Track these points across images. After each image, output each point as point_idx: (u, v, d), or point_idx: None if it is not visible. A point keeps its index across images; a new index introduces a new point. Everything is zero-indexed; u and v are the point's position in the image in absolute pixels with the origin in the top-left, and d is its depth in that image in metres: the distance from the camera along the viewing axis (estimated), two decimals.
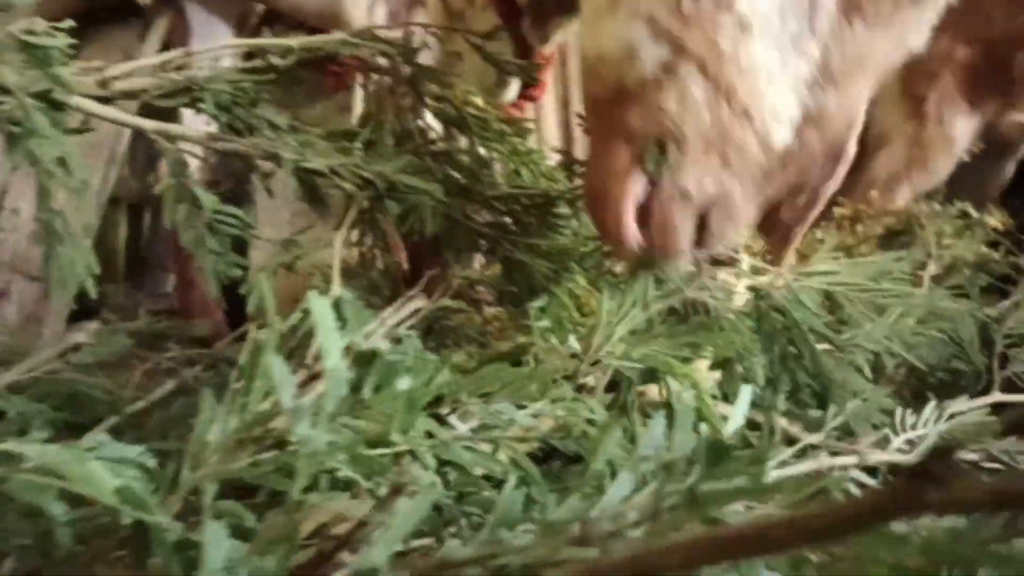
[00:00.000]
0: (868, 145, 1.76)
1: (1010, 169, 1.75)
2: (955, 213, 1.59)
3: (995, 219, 1.55)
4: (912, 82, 1.60)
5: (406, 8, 1.09)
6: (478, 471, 0.46)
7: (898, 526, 0.21)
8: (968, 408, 0.88)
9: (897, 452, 0.77)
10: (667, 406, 0.65)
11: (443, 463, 0.45)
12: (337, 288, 0.59)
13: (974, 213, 1.57)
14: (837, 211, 1.58)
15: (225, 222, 0.72)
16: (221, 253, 0.73)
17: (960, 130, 1.56)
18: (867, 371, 0.94)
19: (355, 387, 0.37)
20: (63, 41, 0.59)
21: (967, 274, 1.27)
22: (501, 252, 0.74)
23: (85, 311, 0.98)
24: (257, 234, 0.72)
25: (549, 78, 1.21)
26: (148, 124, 0.63)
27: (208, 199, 0.69)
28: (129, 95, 0.66)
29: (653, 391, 0.69)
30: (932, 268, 1.21)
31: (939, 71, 1.57)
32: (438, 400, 0.49)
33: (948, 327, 1.06)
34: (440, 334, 0.78)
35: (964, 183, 1.73)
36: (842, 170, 0.74)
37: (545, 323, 0.70)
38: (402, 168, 0.67)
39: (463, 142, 0.90)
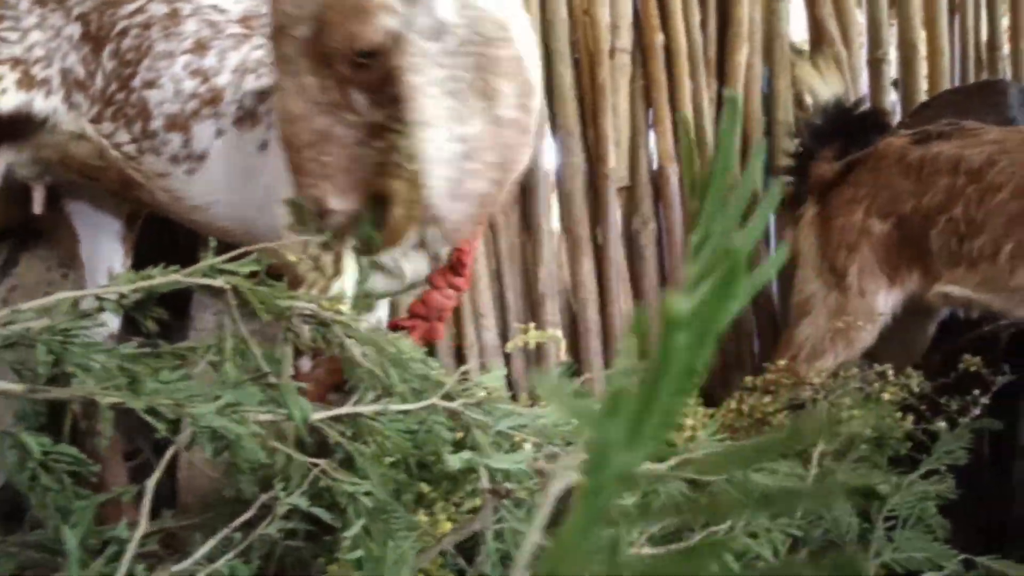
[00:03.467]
0: (792, 311, 1.80)
1: (932, 330, 1.78)
2: (872, 377, 1.62)
3: (913, 382, 1.57)
4: (833, 255, 1.66)
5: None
6: None
7: None
8: None
9: None
10: None
11: None
12: None
13: (891, 376, 1.59)
14: (748, 380, 1.60)
15: (61, 460, 0.75)
16: (59, 489, 0.76)
17: (882, 302, 1.61)
18: (734, 568, 0.94)
19: None
20: None
21: (864, 448, 1.27)
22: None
23: None
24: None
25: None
26: None
27: (36, 442, 0.72)
28: None
29: None
30: (821, 447, 1.21)
31: (858, 244, 1.63)
32: None
33: (828, 522, 1.06)
34: None
35: (887, 344, 1.77)
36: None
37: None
38: (222, 408, 0.70)
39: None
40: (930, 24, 2.35)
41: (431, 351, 2.12)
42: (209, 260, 0.86)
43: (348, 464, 0.80)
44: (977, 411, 1.47)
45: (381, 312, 1.59)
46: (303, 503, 0.73)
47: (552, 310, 2.05)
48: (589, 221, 2.12)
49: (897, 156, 1.62)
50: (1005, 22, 2.41)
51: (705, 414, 1.55)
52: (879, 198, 1.60)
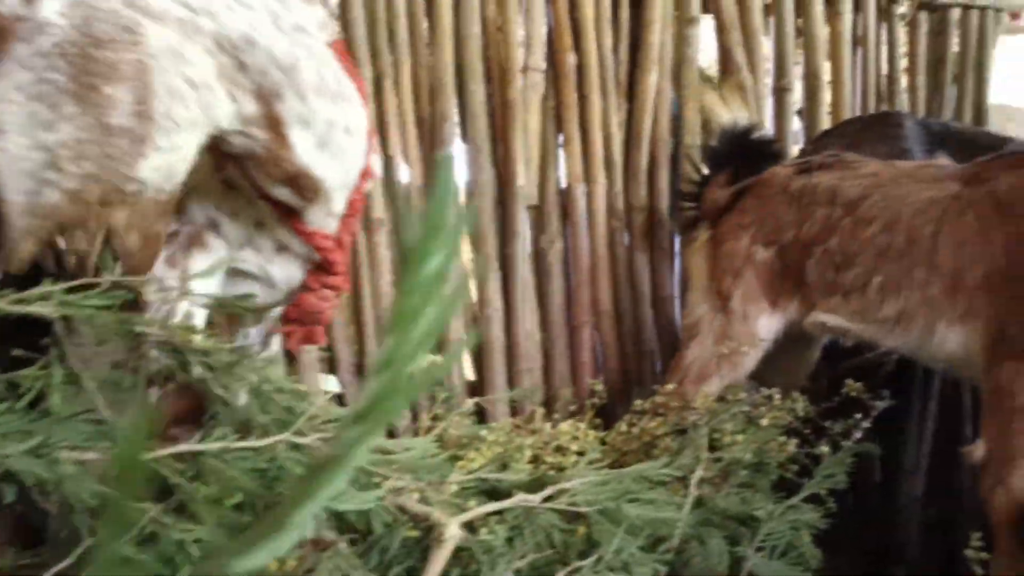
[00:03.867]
0: (682, 334, 1.83)
1: (816, 354, 1.83)
2: (759, 400, 1.64)
3: (798, 406, 1.60)
4: (720, 279, 1.68)
5: (183, 250, 1.11)
6: None
7: None
8: None
9: None
10: None
11: None
12: None
13: (777, 399, 1.62)
14: (637, 403, 1.61)
15: None
16: None
17: (764, 327, 1.63)
18: None
19: None
20: None
21: (744, 474, 1.29)
22: None
23: None
24: None
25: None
26: None
27: None
28: None
29: None
30: (699, 474, 1.22)
31: (743, 270, 1.66)
32: None
33: (703, 549, 1.06)
34: None
35: (774, 367, 1.80)
36: None
37: None
38: (35, 447, 0.65)
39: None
40: (834, 56, 2.43)
41: (332, 369, 2.09)
42: (45, 286, 0.80)
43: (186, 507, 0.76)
44: (859, 435, 1.51)
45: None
46: (129, 551, 0.68)
47: (457, 327, 2.02)
48: (497, 238, 2.11)
49: (781, 185, 1.65)
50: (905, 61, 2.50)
51: (595, 437, 1.55)
52: (764, 226, 1.63)
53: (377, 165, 1.74)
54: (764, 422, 1.37)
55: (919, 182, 1.48)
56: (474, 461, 1.24)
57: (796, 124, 2.45)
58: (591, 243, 2.15)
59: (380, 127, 2.08)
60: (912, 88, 2.47)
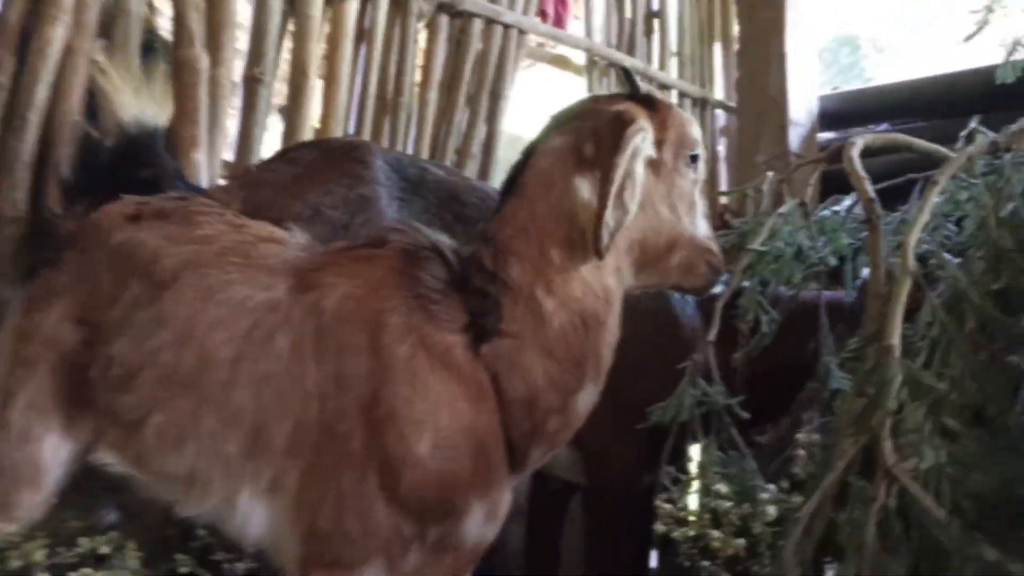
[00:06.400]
0: None
1: None
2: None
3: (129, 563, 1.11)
4: (9, 368, 1.08)
5: None
6: None
7: None
8: None
9: None
10: None
11: None
12: None
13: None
14: None
15: None
16: None
17: (52, 456, 1.06)
18: None
19: None
20: None
21: None
22: None
23: None
24: None
25: None
26: None
27: None
28: None
29: None
30: None
31: (38, 360, 1.06)
32: None
33: None
34: None
35: None
36: None
37: None
38: None
39: None
40: (331, 48, 1.98)
41: None
42: None
43: None
44: None
45: None
46: None
47: None
48: None
49: (104, 234, 1.08)
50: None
51: None
52: (79, 293, 1.06)
53: None
54: None
55: (248, 267, 1.00)
56: None
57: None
58: None
59: None
60: (422, 102, 2.14)
